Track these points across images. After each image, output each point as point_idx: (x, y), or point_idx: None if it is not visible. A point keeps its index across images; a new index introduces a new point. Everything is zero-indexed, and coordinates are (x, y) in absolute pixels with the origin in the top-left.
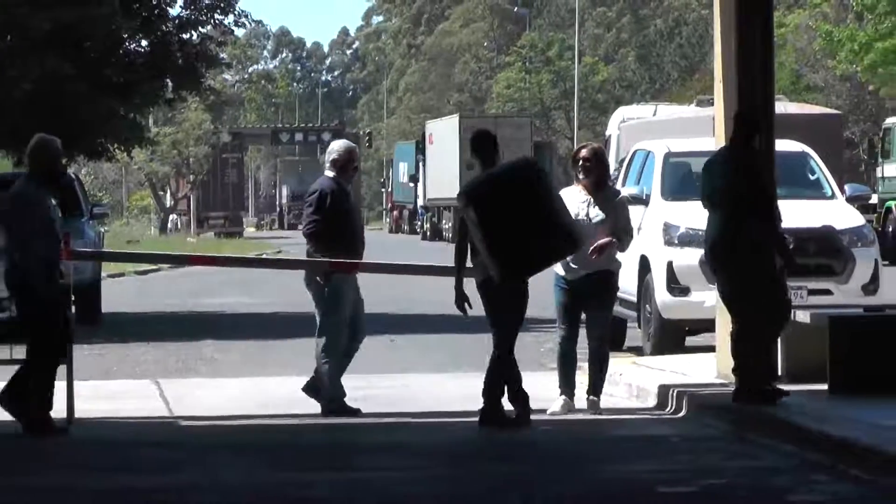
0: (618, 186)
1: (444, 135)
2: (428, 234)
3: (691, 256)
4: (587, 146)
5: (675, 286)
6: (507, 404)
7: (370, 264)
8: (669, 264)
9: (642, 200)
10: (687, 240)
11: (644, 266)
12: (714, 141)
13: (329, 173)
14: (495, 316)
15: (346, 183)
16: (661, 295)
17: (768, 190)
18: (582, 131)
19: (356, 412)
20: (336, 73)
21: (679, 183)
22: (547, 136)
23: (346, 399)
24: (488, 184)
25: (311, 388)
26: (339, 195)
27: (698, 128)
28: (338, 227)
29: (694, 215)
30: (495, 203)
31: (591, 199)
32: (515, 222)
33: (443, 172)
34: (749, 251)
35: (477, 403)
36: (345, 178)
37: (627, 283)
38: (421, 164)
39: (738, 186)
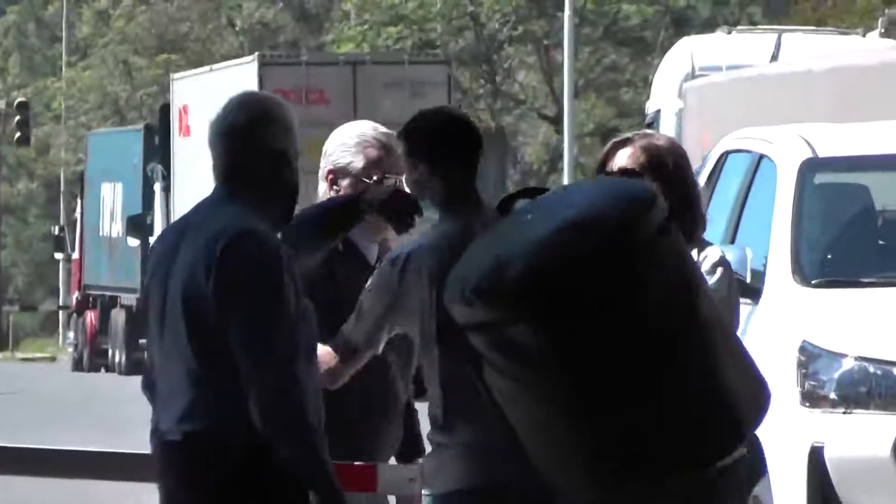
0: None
1: (221, 106)
2: None
3: (870, 435)
4: (634, 139)
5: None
6: None
7: None
8: (814, 454)
9: (744, 287)
10: (856, 390)
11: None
12: None
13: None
14: None
15: (368, 235)
16: None
17: None
18: (581, 102)
19: None
20: None
21: (838, 239)
22: (493, 110)
23: None
24: (572, 256)
25: None
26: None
27: (885, 89)
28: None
29: (876, 327)
30: (587, 314)
31: None
32: (636, 365)
33: None
34: None
35: None
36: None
37: None
38: (158, 182)
39: None
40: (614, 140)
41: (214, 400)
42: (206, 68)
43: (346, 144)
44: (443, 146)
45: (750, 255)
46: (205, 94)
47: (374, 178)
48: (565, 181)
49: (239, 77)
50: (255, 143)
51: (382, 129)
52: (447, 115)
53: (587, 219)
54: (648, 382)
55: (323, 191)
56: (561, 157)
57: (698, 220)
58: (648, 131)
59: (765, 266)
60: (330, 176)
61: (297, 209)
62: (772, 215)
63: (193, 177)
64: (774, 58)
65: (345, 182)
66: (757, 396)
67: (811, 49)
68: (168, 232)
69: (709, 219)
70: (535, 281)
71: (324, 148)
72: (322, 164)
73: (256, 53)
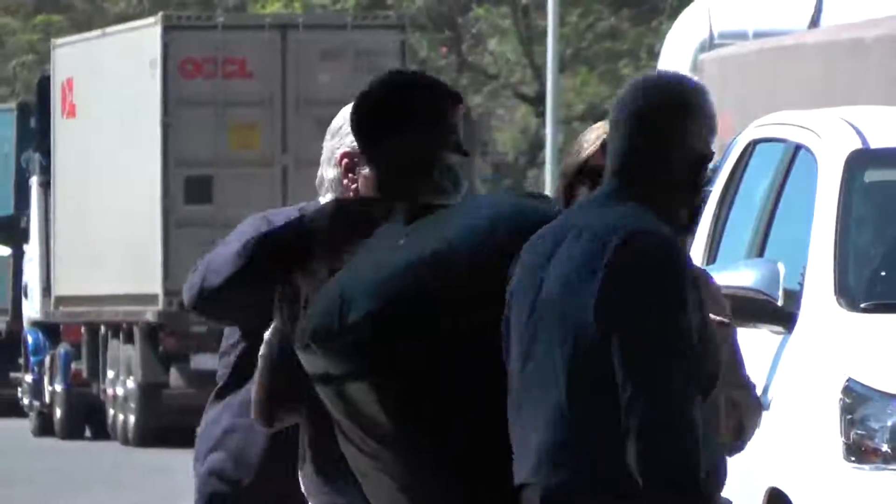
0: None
1: (116, 81)
2: (58, 415)
3: None
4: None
5: None
6: None
7: None
8: None
9: (774, 311)
10: None
11: None
12: None
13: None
14: None
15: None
16: None
17: None
18: (569, 78)
19: None
20: None
21: (894, 252)
22: (458, 86)
23: None
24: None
25: None
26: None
27: None
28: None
29: None
30: (435, 374)
31: None
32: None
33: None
34: None
35: None
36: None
37: None
38: (36, 175)
39: None
40: (593, 130)
41: (583, 444)
42: (97, 32)
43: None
44: None
45: (783, 272)
46: (95, 65)
47: None
48: (547, 176)
49: (138, 44)
50: (665, 135)
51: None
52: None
53: (446, 253)
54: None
55: (333, 176)
56: (542, 146)
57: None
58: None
59: (801, 285)
60: (346, 161)
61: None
62: (811, 222)
63: (80, 168)
64: (815, 23)
65: (366, 170)
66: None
67: (861, 12)
68: (541, 237)
69: (732, 225)
70: (375, 328)
71: (334, 123)
72: (332, 145)
73: (160, 14)
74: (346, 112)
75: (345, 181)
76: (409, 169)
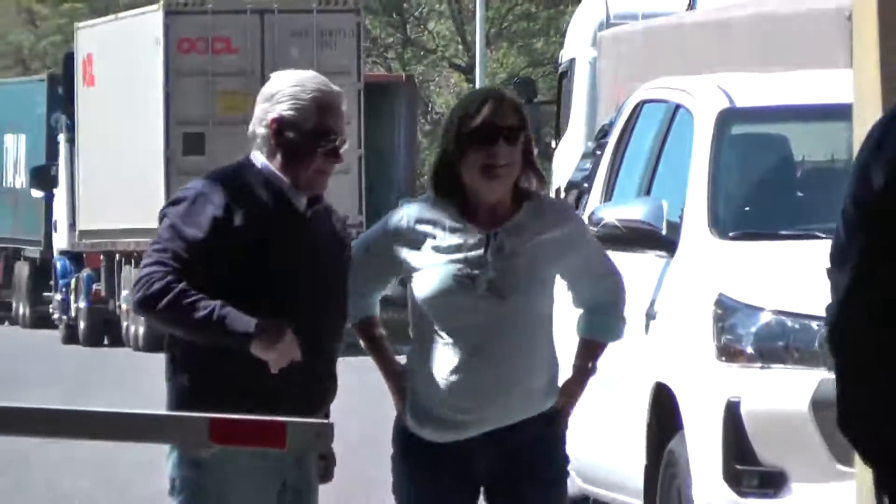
0: (593, 199)
1: (127, 56)
2: (81, 327)
3: (787, 390)
4: (489, 97)
5: (745, 467)
6: None
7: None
8: (730, 409)
9: (659, 239)
10: (774, 345)
11: (661, 413)
12: (853, 73)
13: (257, 157)
14: None
15: (302, 188)
16: (708, 491)
17: None
18: (493, 51)
19: None
20: None
21: (756, 191)
22: (403, 59)
23: None
24: None
25: None
26: (260, 216)
27: (808, 38)
28: (248, 295)
29: (794, 280)
30: None
31: (499, 229)
32: None
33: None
34: None
35: None
36: (297, 170)
37: (614, 459)
38: (63, 133)
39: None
40: (493, 96)
41: None
42: (111, 17)
43: (300, 99)
44: None
45: (665, 208)
46: (110, 43)
47: (330, 139)
48: None
49: (144, 26)
50: None
51: (334, 86)
52: None
53: None
54: None
55: (263, 134)
56: None
57: (537, 172)
58: (501, 90)
59: (681, 218)
60: (275, 125)
61: (221, 163)
62: (688, 167)
63: (98, 127)
64: (692, 6)
65: (291, 134)
66: None
67: None
68: None
69: (624, 170)
70: None
71: (268, 89)
72: (264, 107)
73: (162, 1)
74: (279, 80)
75: (272, 142)
76: None
